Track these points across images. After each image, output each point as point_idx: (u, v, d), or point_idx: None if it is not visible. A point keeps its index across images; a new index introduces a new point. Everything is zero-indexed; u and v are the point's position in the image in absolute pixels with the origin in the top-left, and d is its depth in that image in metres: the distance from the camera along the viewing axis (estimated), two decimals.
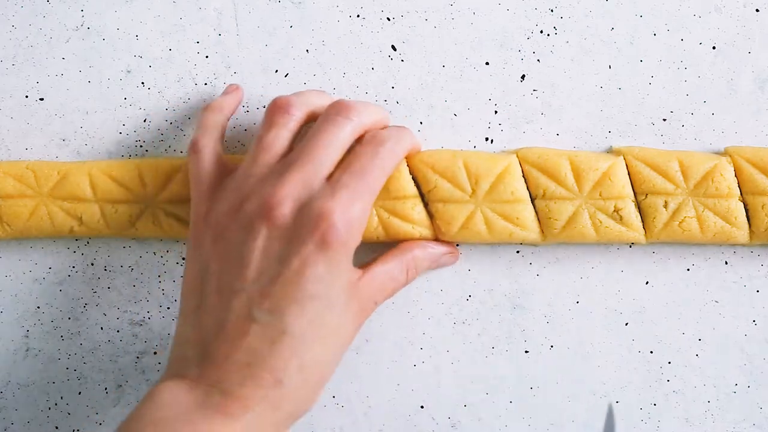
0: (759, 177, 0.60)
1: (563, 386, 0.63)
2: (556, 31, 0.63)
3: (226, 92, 0.62)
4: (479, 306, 0.63)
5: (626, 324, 0.63)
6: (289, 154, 0.57)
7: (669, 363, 0.63)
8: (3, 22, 0.63)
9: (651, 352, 0.63)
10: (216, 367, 0.52)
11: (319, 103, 0.59)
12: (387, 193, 0.60)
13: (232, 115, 0.61)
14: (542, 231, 0.61)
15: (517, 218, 0.60)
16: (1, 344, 0.63)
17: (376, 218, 0.60)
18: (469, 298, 0.63)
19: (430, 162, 0.61)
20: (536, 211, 0.61)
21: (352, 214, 0.54)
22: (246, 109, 0.63)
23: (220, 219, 0.55)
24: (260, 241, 0.53)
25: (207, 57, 0.63)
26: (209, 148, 0.58)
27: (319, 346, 0.53)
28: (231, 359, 0.52)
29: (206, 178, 0.57)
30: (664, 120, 0.63)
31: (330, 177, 0.55)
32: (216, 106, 0.60)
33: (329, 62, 0.63)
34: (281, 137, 0.57)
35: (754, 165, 0.60)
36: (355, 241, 0.55)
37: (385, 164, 0.57)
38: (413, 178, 0.61)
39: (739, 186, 0.61)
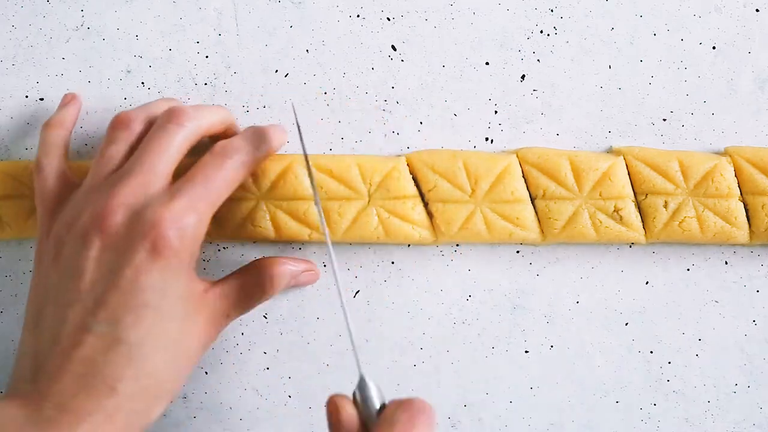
0: (759, 177, 0.60)
1: (563, 386, 0.63)
2: (556, 31, 0.63)
3: (63, 104, 0.61)
4: (479, 306, 0.63)
5: (626, 324, 0.63)
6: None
7: (669, 363, 0.63)
8: (3, 22, 0.63)
9: (651, 352, 0.63)
10: (50, 380, 0.51)
11: (164, 109, 0.58)
12: (387, 193, 0.60)
13: (73, 127, 0.61)
14: (542, 231, 0.61)
15: (517, 218, 0.61)
16: (1, 344, 0.63)
17: (376, 218, 0.60)
18: (469, 298, 0.63)
19: (430, 162, 0.61)
20: (536, 211, 0.61)
21: (185, 223, 0.53)
22: (246, 109, 0.63)
23: (58, 233, 0.55)
24: (94, 252, 0.53)
25: (207, 57, 0.63)
26: (51, 166, 0.58)
27: (158, 357, 0.52)
28: (65, 371, 0.51)
29: (49, 196, 0.57)
30: (664, 120, 0.63)
31: (170, 185, 0.55)
32: (56, 122, 0.60)
33: (329, 62, 0.63)
34: (120, 151, 0.57)
35: (754, 165, 0.60)
36: (190, 251, 0.53)
37: (230, 176, 0.56)
38: (413, 178, 0.61)
39: (739, 186, 0.61)
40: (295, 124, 0.58)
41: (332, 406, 0.53)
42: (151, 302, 0.52)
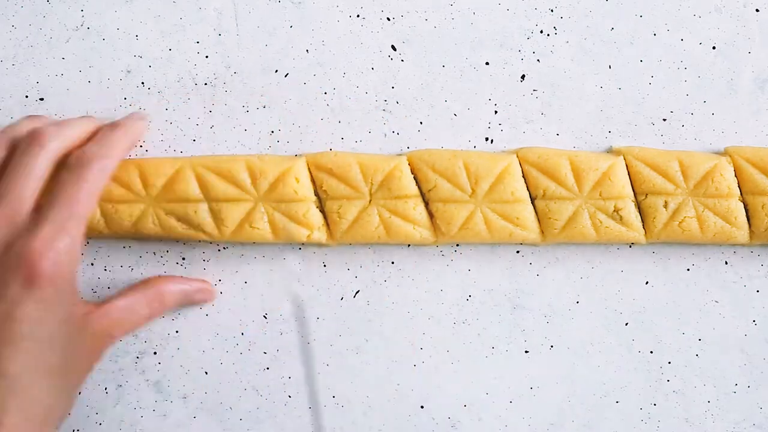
0: (759, 177, 0.60)
1: (563, 386, 0.63)
2: (556, 31, 0.63)
3: None
4: (479, 306, 0.63)
5: (626, 324, 0.63)
6: None
7: (669, 363, 0.63)
8: (3, 22, 0.63)
9: (651, 352, 0.63)
10: None
11: (26, 132, 0.58)
12: (389, 192, 0.60)
13: None
14: (542, 231, 0.61)
15: (517, 218, 0.61)
16: None
17: (377, 218, 0.60)
18: (469, 298, 0.63)
19: (430, 162, 0.61)
20: (536, 211, 0.61)
21: (57, 249, 0.53)
22: (246, 109, 0.63)
23: None
24: None
25: (207, 57, 0.63)
26: None
27: (41, 384, 0.53)
28: None
29: None
30: (664, 120, 0.63)
31: (36, 209, 0.55)
32: None
33: (329, 62, 0.63)
34: None
35: (754, 165, 0.61)
36: (66, 275, 0.54)
37: (91, 187, 0.56)
38: (414, 178, 0.61)
39: (739, 186, 0.61)
40: None
41: None
42: (28, 333, 0.53)
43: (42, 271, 0.53)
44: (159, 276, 0.61)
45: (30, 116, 0.60)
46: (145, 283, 0.60)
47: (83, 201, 0.55)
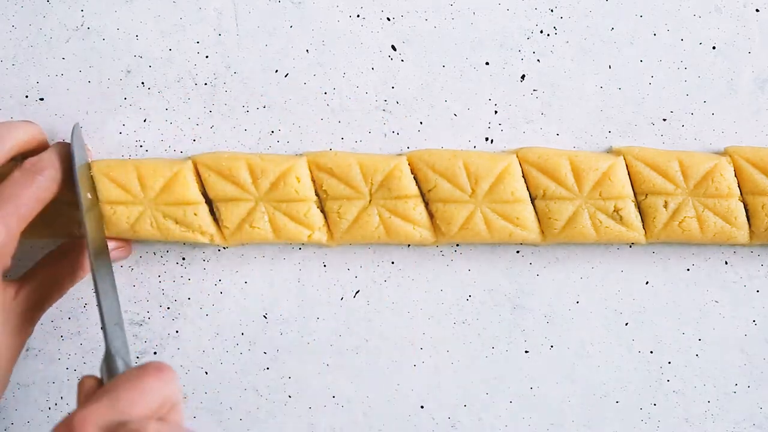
0: (759, 177, 0.60)
1: (563, 386, 0.63)
2: (556, 31, 0.63)
3: None
4: (479, 306, 0.63)
5: (626, 324, 0.63)
6: None
7: (669, 363, 0.63)
8: (3, 22, 0.63)
9: (651, 352, 0.63)
10: None
11: None
12: (389, 193, 0.60)
13: None
14: (542, 231, 0.61)
15: (517, 218, 0.61)
16: None
17: (377, 218, 0.60)
18: (469, 298, 0.63)
19: (430, 162, 0.61)
20: (536, 211, 0.61)
21: None
22: (246, 109, 0.63)
23: None
24: None
25: (207, 57, 0.63)
26: None
27: None
28: None
29: None
30: (664, 120, 0.63)
31: None
32: None
33: (329, 62, 0.63)
34: None
35: (754, 165, 0.61)
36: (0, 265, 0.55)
37: (40, 193, 0.56)
38: (414, 178, 0.61)
39: (739, 186, 0.61)
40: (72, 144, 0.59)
41: (79, 383, 0.54)
42: None
43: None
44: (74, 240, 0.61)
45: None
46: (63, 249, 0.60)
47: (27, 203, 0.56)
